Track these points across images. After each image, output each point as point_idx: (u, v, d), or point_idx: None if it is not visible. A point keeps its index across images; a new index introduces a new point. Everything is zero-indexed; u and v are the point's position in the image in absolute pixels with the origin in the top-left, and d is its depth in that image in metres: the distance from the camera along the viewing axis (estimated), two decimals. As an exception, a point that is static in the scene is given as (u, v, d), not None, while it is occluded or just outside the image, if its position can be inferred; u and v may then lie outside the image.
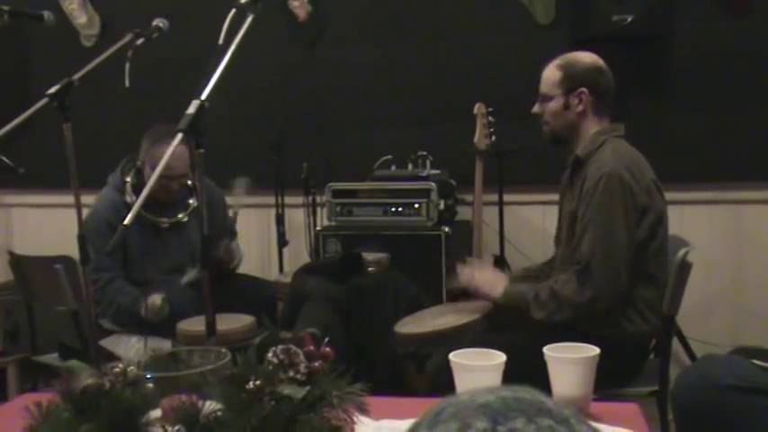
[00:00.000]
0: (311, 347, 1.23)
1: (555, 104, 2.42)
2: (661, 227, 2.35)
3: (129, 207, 2.93)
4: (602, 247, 2.25)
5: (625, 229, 2.25)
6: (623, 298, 2.29)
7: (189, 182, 3.18)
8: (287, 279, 3.25)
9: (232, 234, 3.57)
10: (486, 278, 2.50)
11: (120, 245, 2.85)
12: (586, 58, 2.43)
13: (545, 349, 1.58)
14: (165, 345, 2.81)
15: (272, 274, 3.82)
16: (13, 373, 3.32)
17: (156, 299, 2.96)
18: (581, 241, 2.30)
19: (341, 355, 1.27)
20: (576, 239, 2.33)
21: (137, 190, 3.08)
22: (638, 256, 2.29)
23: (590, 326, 2.22)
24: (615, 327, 2.31)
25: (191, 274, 3.14)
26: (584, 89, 2.39)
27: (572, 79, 2.40)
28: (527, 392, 0.65)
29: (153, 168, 2.87)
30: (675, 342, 3.15)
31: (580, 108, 2.40)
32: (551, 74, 2.44)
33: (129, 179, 3.13)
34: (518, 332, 2.34)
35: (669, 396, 2.09)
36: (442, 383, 1.45)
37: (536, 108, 2.48)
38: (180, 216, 3.20)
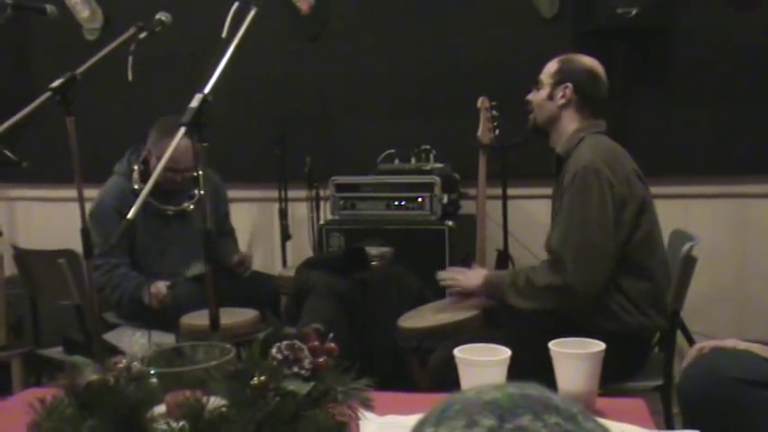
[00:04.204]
0: (316, 343, 1.23)
1: (542, 93, 2.50)
2: (645, 216, 2.34)
3: (137, 194, 2.94)
4: (573, 235, 2.27)
5: (599, 218, 2.25)
6: (609, 289, 2.29)
7: (194, 173, 3.19)
8: (290, 273, 3.25)
9: (231, 232, 3.57)
10: (465, 274, 2.60)
11: (123, 238, 2.86)
12: (586, 61, 2.50)
13: (551, 344, 1.57)
14: (169, 339, 2.82)
15: (276, 269, 3.81)
16: (18, 366, 3.33)
17: (160, 285, 2.97)
18: (554, 231, 2.34)
19: (344, 350, 1.27)
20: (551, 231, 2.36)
21: (144, 178, 3.09)
22: (625, 247, 2.29)
23: (589, 320, 2.24)
24: (613, 320, 2.31)
25: (194, 269, 3.14)
26: (569, 84, 2.45)
27: (563, 73, 2.47)
28: (534, 389, 0.64)
29: (160, 160, 2.88)
30: (680, 337, 3.14)
31: (562, 101, 2.46)
32: (550, 65, 2.53)
33: (136, 167, 3.14)
34: (520, 327, 2.34)
35: (675, 389, 2.08)
36: (445, 378, 1.44)
37: (530, 95, 2.55)
38: (185, 205, 3.21)
